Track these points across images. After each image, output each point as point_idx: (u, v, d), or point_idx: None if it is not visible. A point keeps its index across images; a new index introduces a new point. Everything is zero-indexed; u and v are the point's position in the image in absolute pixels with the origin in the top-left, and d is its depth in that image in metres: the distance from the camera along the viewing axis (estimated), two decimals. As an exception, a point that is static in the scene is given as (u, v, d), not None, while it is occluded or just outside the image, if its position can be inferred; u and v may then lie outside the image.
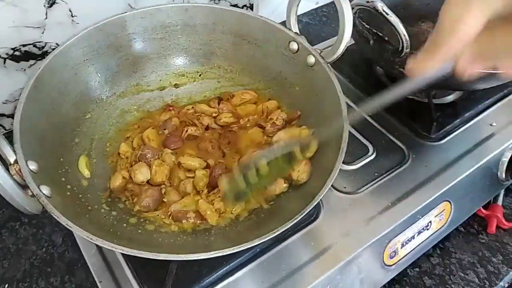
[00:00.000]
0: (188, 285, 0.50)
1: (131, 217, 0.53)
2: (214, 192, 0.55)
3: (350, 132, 0.50)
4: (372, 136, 0.68)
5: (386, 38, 0.62)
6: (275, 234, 0.42)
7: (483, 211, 0.68)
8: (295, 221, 0.43)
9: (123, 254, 0.54)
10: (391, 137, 0.68)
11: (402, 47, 0.58)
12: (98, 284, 0.53)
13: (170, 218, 0.53)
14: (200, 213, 0.53)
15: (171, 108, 0.65)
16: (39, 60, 0.71)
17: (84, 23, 0.70)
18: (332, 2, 0.55)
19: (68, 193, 0.50)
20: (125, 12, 0.61)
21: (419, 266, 0.63)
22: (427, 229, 0.61)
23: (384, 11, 0.57)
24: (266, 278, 0.52)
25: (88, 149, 0.58)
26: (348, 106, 0.54)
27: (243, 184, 0.50)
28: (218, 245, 0.44)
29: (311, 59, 0.59)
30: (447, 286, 0.61)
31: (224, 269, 0.52)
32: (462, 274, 0.62)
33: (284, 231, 0.42)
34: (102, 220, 0.50)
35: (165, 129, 0.62)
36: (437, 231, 0.62)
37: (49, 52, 0.70)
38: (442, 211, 0.62)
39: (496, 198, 0.71)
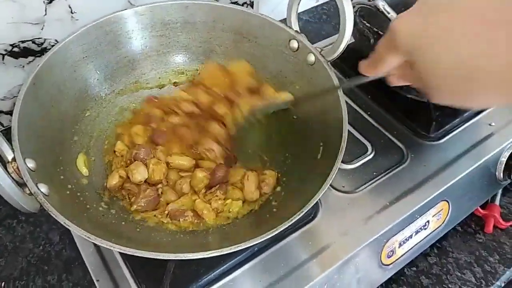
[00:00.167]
0: (186, 284, 0.50)
1: (129, 216, 0.53)
2: (211, 192, 0.55)
3: (349, 131, 0.50)
4: (370, 135, 0.68)
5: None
6: (273, 234, 0.42)
7: (481, 210, 0.69)
8: (294, 220, 0.43)
9: (120, 253, 0.54)
10: (390, 136, 0.68)
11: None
12: (96, 283, 0.53)
13: (168, 217, 0.53)
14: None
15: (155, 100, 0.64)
16: (37, 56, 0.71)
17: (83, 19, 0.70)
18: (332, 0, 0.55)
19: (67, 192, 0.50)
20: (125, 9, 0.61)
21: (416, 266, 0.63)
22: (425, 229, 0.61)
23: (385, 9, 0.57)
24: (264, 277, 0.52)
25: (86, 147, 0.58)
26: (347, 104, 0.54)
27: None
28: (216, 244, 0.45)
29: (311, 58, 0.58)
30: (444, 285, 0.61)
31: (222, 268, 0.52)
32: (459, 274, 0.63)
33: (282, 230, 0.43)
34: (100, 219, 0.50)
35: (150, 124, 0.61)
36: (434, 230, 0.63)
37: (48, 49, 0.70)
38: (440, 210, 0.62)
39: (493, 198, 0.71)
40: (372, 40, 0.63)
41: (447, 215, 0.63)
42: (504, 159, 0.67)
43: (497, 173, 0.68)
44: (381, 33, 0.62)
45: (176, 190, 0.56)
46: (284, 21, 0.62)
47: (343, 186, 0.61)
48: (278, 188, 0.57)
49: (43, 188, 0.43)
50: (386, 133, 0.68)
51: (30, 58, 0.70)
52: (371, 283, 0.59)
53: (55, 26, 0.69)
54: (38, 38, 0.69)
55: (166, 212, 0.53)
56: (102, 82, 0.62)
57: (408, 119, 0.70)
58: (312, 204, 0.44)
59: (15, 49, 0.68)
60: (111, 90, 0.63)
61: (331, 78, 0.55)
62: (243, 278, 0.52)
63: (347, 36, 0.55)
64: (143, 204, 0.52)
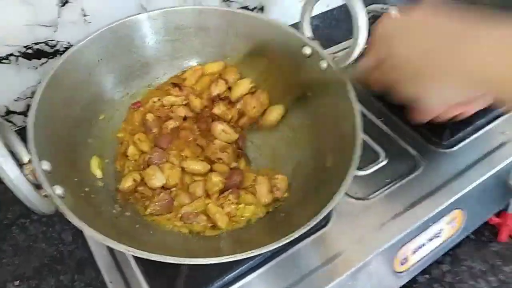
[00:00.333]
0: (199, 287, 0.50)
1: (142, 219, 0.52)
2: (224, 196, 0.55)
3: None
4: (383, 142, 0.67)
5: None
6: (290, 239, 0.42)
7: (494, 219, 0.68)
8: (309, 226, 0.43)
9: (133, 255, 0.54)
10: (403, 143, 0.67)
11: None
12: (109, 284, 0.53)
13: (181, 220, 0.53)
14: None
15: (139, 105, 0.63)
16: (50, 58, 0.71)
17: (96, 22, 0.70)
18: (343, 5, 0.55)
19: (81, 194, 0.50)
20: (139, 14, 0.61)
21: (429, 273, 0.63)
22: (439, 237, 0.61)
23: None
24: (276, 283, 0.52)
25: (100, 150, 0.58)
26: (361, 112, 0.54)
27: None
28: (229, 249, 0.44)
29: (324, 64, 0.58)
30: (457, 294, 0.61)
31: (235, 272, 0.51)
32: (473, 282, 0.62)
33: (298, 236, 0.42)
34: (114, 221, 0.50)
35: (151, 130, 0.61)
36: (448, 238, 0.62)
37: (61, 51, 0.71)
38: (454, 218, 0.61)
39: (507, 206, 0.70)
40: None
41: (461, 224, 0.63)
42: (517, 168, 0.67)
43: (510, 182, 0.67)
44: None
45: (189, 193, 0.55)
46: (295, 25, 0.62)
47: (356, 193, 0.61)
48: (288, 194, 0.56)
49: (59, 190, 0.43)
50: (399, 140, 0.68)
51: (43, 60, 0.71)
52: (384, 290, 0.58)
53: (68, 29, 0.69)
54: (51, 40, 0.69)
55: (179, 215, 0.53)
56: (116, 85, 0.62)
57: (421, 125, 0.69)
58: (329, 210, 0.44)
59: (29, 51, 0.68)
60: (124, 94, 0.63)
61: (344, 85, 0.55)
62: (256, 283, 0.52)
63: (360, 44, 0.54)
64: (157, 208, 0.52)
